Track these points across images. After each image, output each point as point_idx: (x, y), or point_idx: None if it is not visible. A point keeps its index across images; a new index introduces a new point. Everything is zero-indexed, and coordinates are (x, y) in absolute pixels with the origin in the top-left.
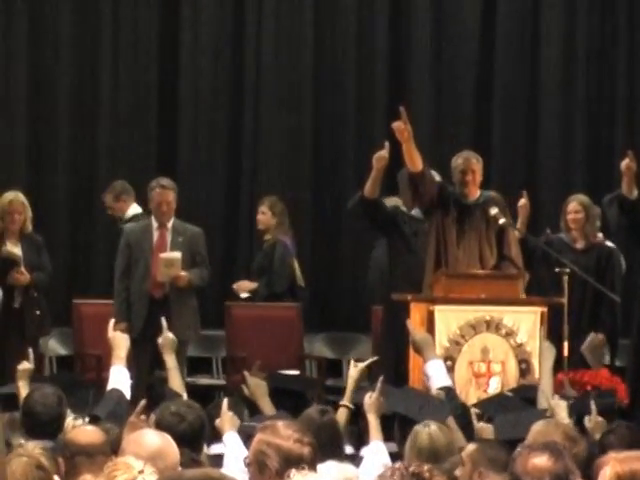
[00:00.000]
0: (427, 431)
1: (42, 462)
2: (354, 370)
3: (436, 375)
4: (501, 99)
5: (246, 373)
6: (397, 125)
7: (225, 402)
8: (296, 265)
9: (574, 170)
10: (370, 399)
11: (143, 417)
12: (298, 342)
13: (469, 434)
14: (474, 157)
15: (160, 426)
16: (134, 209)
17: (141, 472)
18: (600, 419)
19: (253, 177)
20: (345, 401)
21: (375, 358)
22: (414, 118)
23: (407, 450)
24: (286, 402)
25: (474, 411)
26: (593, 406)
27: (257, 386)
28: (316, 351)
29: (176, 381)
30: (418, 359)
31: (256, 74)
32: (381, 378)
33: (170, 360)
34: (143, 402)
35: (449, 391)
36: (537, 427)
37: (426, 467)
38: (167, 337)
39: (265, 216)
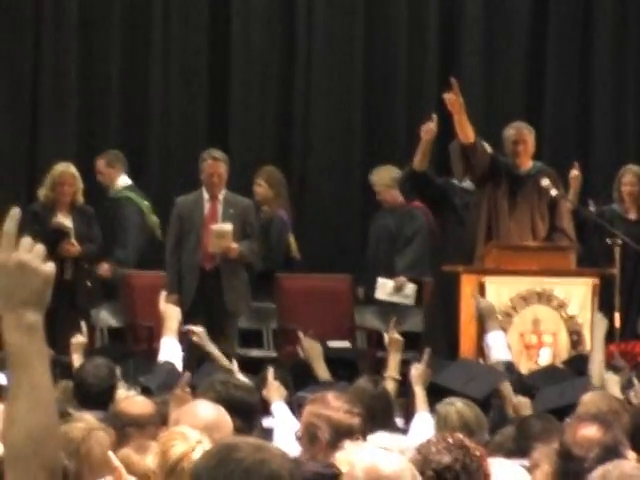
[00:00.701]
0: (454, 409)
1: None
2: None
3: (496, 347)
4: (553, 70)
5: (301, 334)
6: (449, 96)
7: (271, 372)
8: (292, 238)
9: (627, 141)
10: (416, 370)
11: (188, 390)
12: (349, 313)
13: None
14: (526, 128)
15: (220, 399)
16: (123, 180)
17: (199, 442)
18: None
19: (303, 150)
20: (390, 372)
21: (393, 319)
22: (465, 89)
23: (437, 432)
24: (338, 372)
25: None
26: (636, 380)
27: (312, 348)
28: (367, 323)
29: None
30: (469, 331)
31: (307, 44)
32: (427, 349)
33: (211, 349)
34: (188, 374)
35: (509, 366)
36: (586, 398)
37: (461, 436)
38: (199, 331)
39: (261, 188)
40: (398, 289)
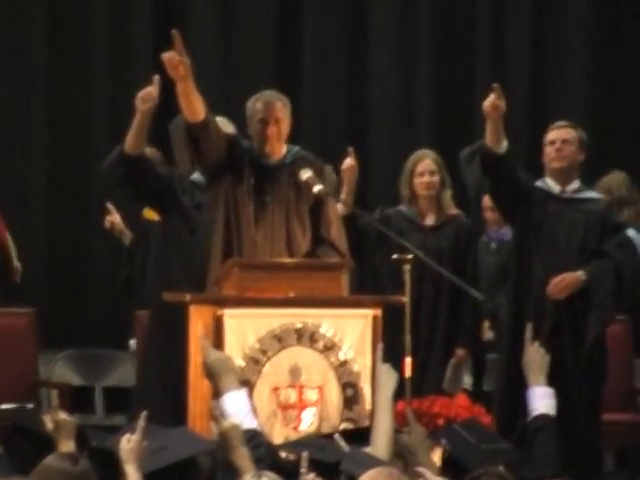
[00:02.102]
0: None
1: None
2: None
3: (236, 412)
4: (310, 31)
5: None
6: (169, 56)
7: None
8: None
9: (418, 118)
10: (128, 444)
11: None
12: (30, 364)
13: None
14: (279, 100)
15: None
16: None
17: None
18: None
19: None
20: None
21: (54, 393)
22: (193, 47)
23: None
24: (25, 447)
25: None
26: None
27: None
28: (57, 376)
29: None
30: (201, 386)
31: None
32: (143, 414)
33: None
34: None
35: (254, 436)
36: (365, 477)
37: None
38: None
39: None
40: None
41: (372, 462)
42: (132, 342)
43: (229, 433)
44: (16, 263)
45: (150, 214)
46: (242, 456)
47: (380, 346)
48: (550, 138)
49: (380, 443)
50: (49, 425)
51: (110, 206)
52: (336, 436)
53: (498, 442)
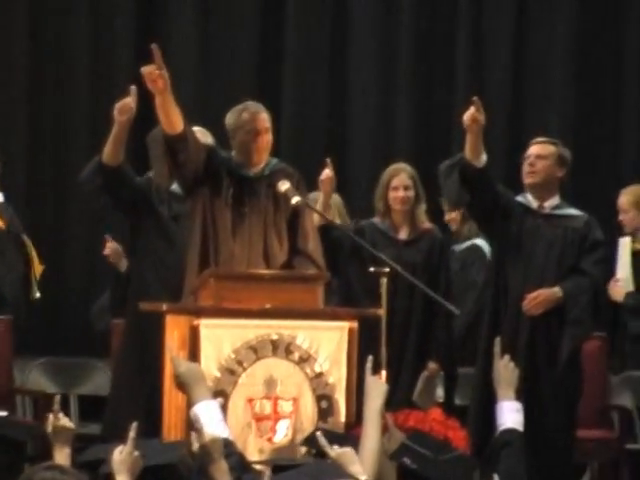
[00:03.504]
0: None
1: None
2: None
3: (208, 423)
4: (293, 42)
5: None
6: (149, 70)
7: None
8: None
9: (397, 131)
10: (120, 455)
11: None
12: (6, 371)
13: None
14: (262, 109)
15: None
16: None
17: None
18: None
19: None
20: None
21: (57, 397)
22: (172, 60)
23: None
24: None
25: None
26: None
27: None
28: (32, 383)
29: None
30: (176, 397)
31: None
32: (134, 425)
33: None
34: None
35: (226, 445)
36: None
37: None
38: None
39: None
40: None
41: (333, 475)
42: None
43: (210, 446)
44: None
45: None
46: (221, 470)
47: (370, 358)
48: (526, 154)
49: (365, 460)
50: (48, 429)
51: (108, 236)
52: (318, 434)
53: (452, 451)
